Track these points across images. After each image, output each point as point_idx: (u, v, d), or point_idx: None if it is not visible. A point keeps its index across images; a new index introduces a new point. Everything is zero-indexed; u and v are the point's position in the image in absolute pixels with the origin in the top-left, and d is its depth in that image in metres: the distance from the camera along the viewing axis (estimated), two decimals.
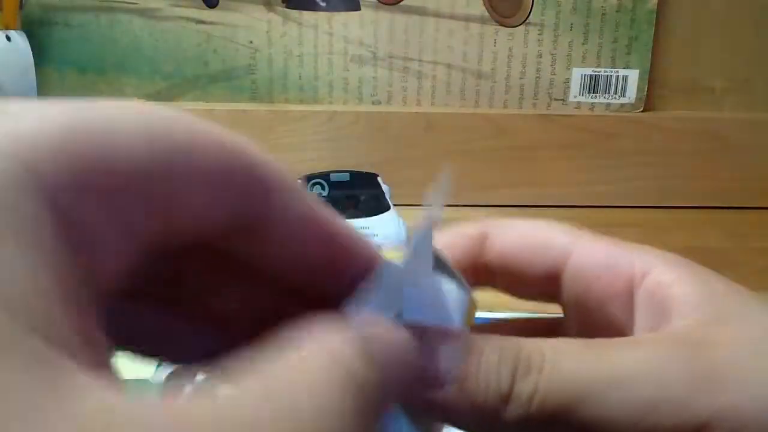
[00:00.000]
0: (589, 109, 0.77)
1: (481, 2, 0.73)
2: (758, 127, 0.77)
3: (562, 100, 0.77)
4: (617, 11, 0.74)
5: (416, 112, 0.75)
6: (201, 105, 0.75)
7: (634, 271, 0.22)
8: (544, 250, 0.23)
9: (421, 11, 0.73)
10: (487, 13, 0.74)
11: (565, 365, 0.19)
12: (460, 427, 0.20)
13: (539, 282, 0.23)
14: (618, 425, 0.18)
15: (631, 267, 0.22)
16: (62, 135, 0.13)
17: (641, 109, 0.77)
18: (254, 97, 0.76)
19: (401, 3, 0.73)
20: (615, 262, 0.22)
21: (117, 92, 0.75)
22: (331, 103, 0.76)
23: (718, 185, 0.78)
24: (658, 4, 0.74)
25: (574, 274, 0.23)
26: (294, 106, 0.76)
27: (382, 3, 0.73)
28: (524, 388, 0.18)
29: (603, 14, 0.74)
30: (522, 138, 0.76)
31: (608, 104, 0.77)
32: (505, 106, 0.76)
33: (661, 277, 0.21)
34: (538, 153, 0.76)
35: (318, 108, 0.75)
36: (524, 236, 0.24)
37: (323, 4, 0.73)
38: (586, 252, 0.23)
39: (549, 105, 0.77)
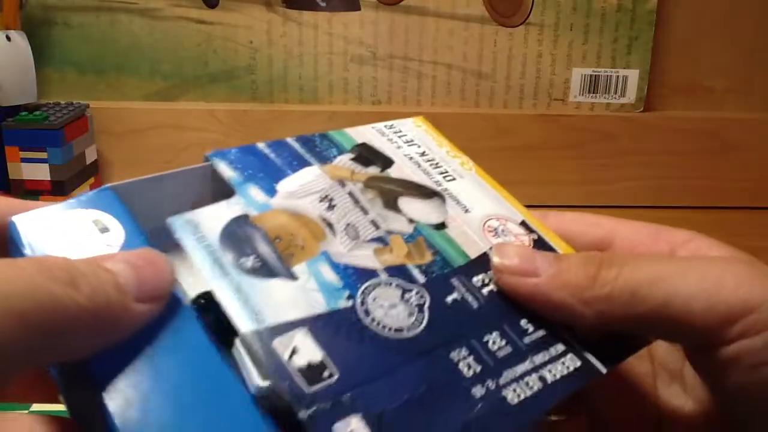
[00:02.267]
0: (589, 109, 0.77)
1: (481, 2, 0.73)
2: (758, 127, 0.77)
3: (562, 100, 0.77)
4: (617, 11, 0.74)
5: (416, 112, 0.75)
6: (201, 105, 0.75)
7: (676, 239, 0.27)
8: (595, 226, 0.29)
9: (421, 11, 0.73)
10: (487, 13, 0.74)
11: (643, 261, 0.24)
12: (549, 313, 0.24)
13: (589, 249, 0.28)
14: (688, 300, 0.23)
15: (673, 236, 0.27)
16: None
17: (641, 109, 0.77)
18: (254, 97, 0.76)
19: (401, 3, 0.73)
20: (658, 233, 0.27)
21: (117, 92, 0.75)
22: (331, 103, 0.76)
23: (718, 185, 0.78)
24: (658, 4, 0.74)
25: (622, 243, 0.28)
26: (294, 106, 0.76)
27: (382, 3, 0.73)
28: (609, 273, 0.24)
29: (603, 14, 0.74)
30: (522, 138, 0.76)
31: (608, 104, 0.77)
32: (505, 106, 0.76)
33: (700, 243, 0.26)
34: (537, 153, 0.76)
35: (318, 108, 0.75)
36: (577, 216, 0.29)
37: (323, 4, 0.73)
38: (631, 228, 0.28)
39: (549, 105, 0.77)
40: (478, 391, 0.22)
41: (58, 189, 0.65)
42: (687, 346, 0.25)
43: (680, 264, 0.24)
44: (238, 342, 0.21)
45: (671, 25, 0.75)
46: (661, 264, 0.24)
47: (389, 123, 0.33)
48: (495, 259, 0.25)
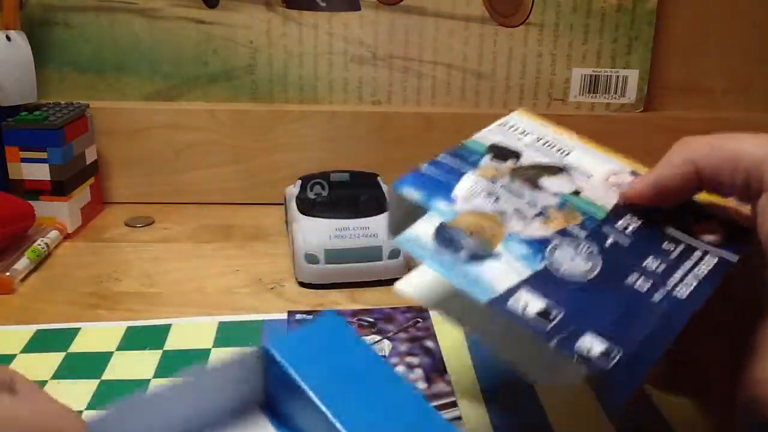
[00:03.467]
0: (589, 109, 0.77)
1: (481, 2, 0.73)
2: (758, 127, 0.77)
3: (562, 100, 0.77)
4: (617, 11, 0.74)
5: (416, 112, 0.75)
6: (201, 105, 0.75)
7: None
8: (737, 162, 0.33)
9: (421, 11, 0.73)
10: (487, 13, 0.74)
11: (725, 134, 0.35)
12: (671, 190, 0.34)
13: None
14: (754, 150, 0.33)
15: None
16: None
17: (641, 109, 0.77)
18: (254, 97, 0.76)
19: (401, 3, 0.73)
20: None
21: (117, 92, 0.75)
22: (331, 103, 0.76)
23: None
24: (658, 4, 0.74)
25: None
26: (294, 106, 0.76)
27: (382, 3, 0.73)
28: (696, 139, 0.35)
29: (603, 14, 0.74)
30: None
31: (608, 104, 0.77)
32: (505, 106, 0.76)
33: None
34: None
35: (318, 108, 0.75)
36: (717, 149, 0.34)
37: (323, 4, 0.73)
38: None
39: (549, 105, 0.77)
40: (657, 297, 0.31)
41: (58, 189, 0.65)
42: (747, 194, 0.32)
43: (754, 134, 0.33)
44: None
45: (671, 25, 0.75)
46: (736, 134, 0.34)
47: (501, 121, 0.42)
48: (620, 192, 0.36)
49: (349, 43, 0.74)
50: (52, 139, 0.64)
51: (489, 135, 0.40)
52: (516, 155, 0.39)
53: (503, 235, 0.34)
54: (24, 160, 0.64)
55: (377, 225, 0.58)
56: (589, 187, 0.37)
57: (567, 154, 0.40)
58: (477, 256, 0.32)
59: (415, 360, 0.45)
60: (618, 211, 0.35)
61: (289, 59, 0.75)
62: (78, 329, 0.50)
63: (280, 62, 0.75)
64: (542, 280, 0.31)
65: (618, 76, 0.76)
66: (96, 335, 0.49)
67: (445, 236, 0.33)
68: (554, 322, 0.29)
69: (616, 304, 0.31)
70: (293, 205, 0.61)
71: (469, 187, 0.37)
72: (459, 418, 0.40)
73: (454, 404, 0.41)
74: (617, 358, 0.28)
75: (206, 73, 0.75)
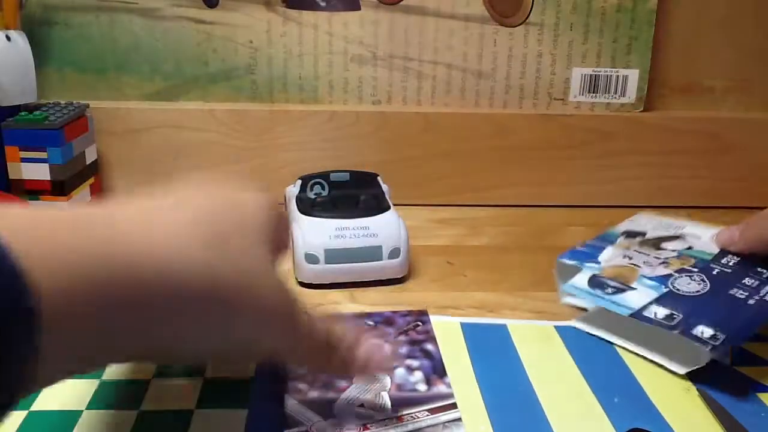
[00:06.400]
0: (589, 108, 0.77)
1: (481, 2, 0.73)
2: (758, 127, 0.77)
3: (562, 100, 0.77)
4: (617, 11, 0.74)
5: (416, 112, 0.75)
6: (201, 105, 0.75)
7: None
8: None
9: (421, 11, 0.73)
10: (487, 13, 0.74)
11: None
12: (746, 247, 0.53)
13: None
14: None
15: None
16: None
17: (641, 109, 0.77)
18: (254, 97, 0.76)
19: (401, 3, 0.73)
20: None
21: (117, 92, 0.75)
22: (331, 103, 0.76)
23: (718, 185, 0.78)
24: (658, 4, 0.74)
25: None
26: (294, 106, 0.76)
27: (382, 3, 0.73)
28: (748, 225, 0.55)
29: (603, 14, 0.74)
30: (522, 138, 0.76)
31: (608, 104, 0.77)
32: (505, 106, 0.76)
33: None
34: (537, 153, 0.76)
35: (318, 108, 0.75)
36: None
37: (323, 4, 0.73)
38: None
39: (549, 105, 0.77)
40: (750, 301, 0.46)
41: (58, 189, 0.65)
42: None
43: None
44: None
45: (671, 25, 0.75)
46: None
47: (629, 219, 0.61)
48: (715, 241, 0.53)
49: (349, 43, 0.74)
50: (52, 139, 0.64)
51: (621, 226, 0.59)
52: (642, 234, 0.57)
53: (637, 276, 0.50)
54: (24, 159, 0.64)
55: (377, 225, 0.58)
56: (699, 244, 0.54)
57: (681, 228, 0.57)
58: (619, 290, 0.49)
59: (415, 363, 0.45)
60: (721, 254, 0.52)
61: (289, 59, 0.75)
62: None
63: (280, 62, 0.75)
64: (667, 298, 0.47)
65: (618, 76, 0.76)
66: None
67: (595, 281, 0.51)
68: (676, 320, 0.45)
69: (721, 306, 0.45)
70: (293, 205, 0.61)
71: (609, 253, 0.54)
72: (459, 420, 0.40)
73: (454, 406, 0.41)
74: (721, 338, 0.42)
75: (206, 73, 0.75)
